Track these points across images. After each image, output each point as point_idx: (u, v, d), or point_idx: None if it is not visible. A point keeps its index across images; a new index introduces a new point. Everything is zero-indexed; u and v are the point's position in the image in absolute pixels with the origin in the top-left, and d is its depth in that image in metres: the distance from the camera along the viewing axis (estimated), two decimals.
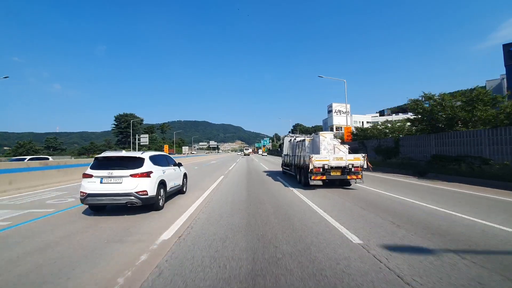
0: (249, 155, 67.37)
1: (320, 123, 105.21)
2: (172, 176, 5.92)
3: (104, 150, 56.08)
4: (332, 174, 7.24)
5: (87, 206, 4.85)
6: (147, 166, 4.93)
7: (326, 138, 7.41)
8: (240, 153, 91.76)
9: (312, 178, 7.16)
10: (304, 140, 8.60)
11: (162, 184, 5.18)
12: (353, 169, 7.23)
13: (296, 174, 9.09)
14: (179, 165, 6.89)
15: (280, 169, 14.11)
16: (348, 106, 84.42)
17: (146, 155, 5.17)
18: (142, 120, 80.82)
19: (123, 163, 4.88)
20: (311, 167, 6.96)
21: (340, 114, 76.64)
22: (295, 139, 10.21)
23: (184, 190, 7.10)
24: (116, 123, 74.72)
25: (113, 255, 2.86)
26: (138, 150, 48.08)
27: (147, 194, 4.68)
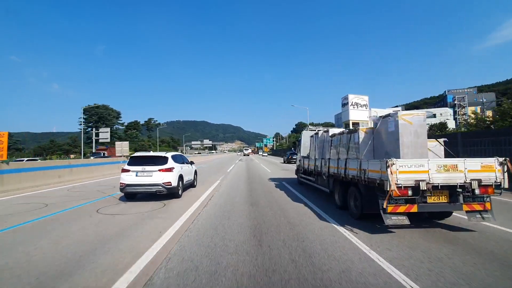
0: (248, 155, 75.99)
1: (329, 119, 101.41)
2: (187, 171, 8.17)
3: (67, 150, 57.70)
4: (431, 201, 3.99)
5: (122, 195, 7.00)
6: (170, 163, 7.04)
7: (412, 126, 3.59)
8: (239, 153, 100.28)
9: (390, 209, 3.89)
10: (354, 132, 5.51)
11: (180, 177, 7.30)
12: (477, 191, 3.91)
13: (335, 192, 6.14)
14: (192, 163, 9.25)
15: (293, 176, 11.87)
16: (366, 97, 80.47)
17: (169, 154, 7.46)
18: (118, 114, 73.78)
19: (152, 160, 7.05)
20: (390, 186, 3.67)
21: (358, 107, 72.60)
22: (326, 132, 7.18)
23: (195, 184, 9.35)
24: (85, 117, 66.50)
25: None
26: (95, 146, 45.67)
27: (171, 185, 6.73)
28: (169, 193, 6.81)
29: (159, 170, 6.79)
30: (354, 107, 77.25)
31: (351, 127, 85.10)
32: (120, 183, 6.66)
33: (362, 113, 75.00)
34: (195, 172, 9.51)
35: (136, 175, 6.74)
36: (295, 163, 38.81)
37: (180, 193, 7.28)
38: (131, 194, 6.87)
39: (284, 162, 31.30)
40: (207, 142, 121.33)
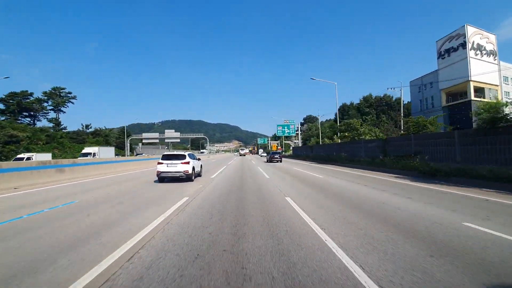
0: (244, 155, 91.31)
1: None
2: (197, 165, 17.71)
3: None
4: None
5: (156, 179, 16.12)
6: (188, 158, 15.67)
7: None
8: (236, 154, 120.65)
9: None
10: None
11: (193, 168, 16.31)
12: None
13: None
14: (199, 159, 19.00)
15: None
16: (493, 37, 47.14)
17: (186, 153, 16.37)
18: None
19: (176, 157, 15.50)
20: None
21: (482, 54, 39.97)
22: None
23: (201, 174, 19.17)
24: None
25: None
26: None
27: (188, 172, 15.21)
28: (187, 178, 15.05)
29: (181, 163, 14.82)
30: (477, 53, 44.48)
31: (472, 96, 49.80)
32: (157, 171, 14.90)
33: (485, 67, 41.02)
34: (201, 166, 19.09)
35: (167, 166, 14.63)
36: (277, 161, 38.32)
37: (193, 178, 15.76)
38: (163, 178, 15.12)
39: (267, 161, 40.57)
40: (171, 134, 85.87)
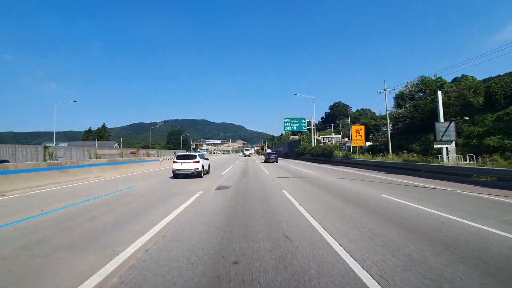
0: (249, 156, 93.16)
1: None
2: (205, 163, 23.77)
3: None
4: None
5: (172, 175, 21.78)
6: (198, 158, 21.43)
7: None
8: (240, 154, 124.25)
9: None
10: None
11: (202, 166, 22.19)
12: None
13: None
14: (207, 159, 25.52)
15: None
16: None
17: (196, 153, 22.49)
18: None
19: (188, 156, 21.33)
20: None
21: None
22: None
23: (209, 172, 25.88)
24: None
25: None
26: None
27: (198, 170, 20.81)
28: (197, 175, 19.84)
29: (192, 162, 19.62)
30: None
31: None
32: (173, 168, 19.73)
33: None
34: (209, 164, 25.43)
35: (181, 165, 19.37)
36: (273, 162, 40.65)
37: (202, 175, 20.95)
38: (177, 175, 19.95)
39: (264, 162, 42.63)
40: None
